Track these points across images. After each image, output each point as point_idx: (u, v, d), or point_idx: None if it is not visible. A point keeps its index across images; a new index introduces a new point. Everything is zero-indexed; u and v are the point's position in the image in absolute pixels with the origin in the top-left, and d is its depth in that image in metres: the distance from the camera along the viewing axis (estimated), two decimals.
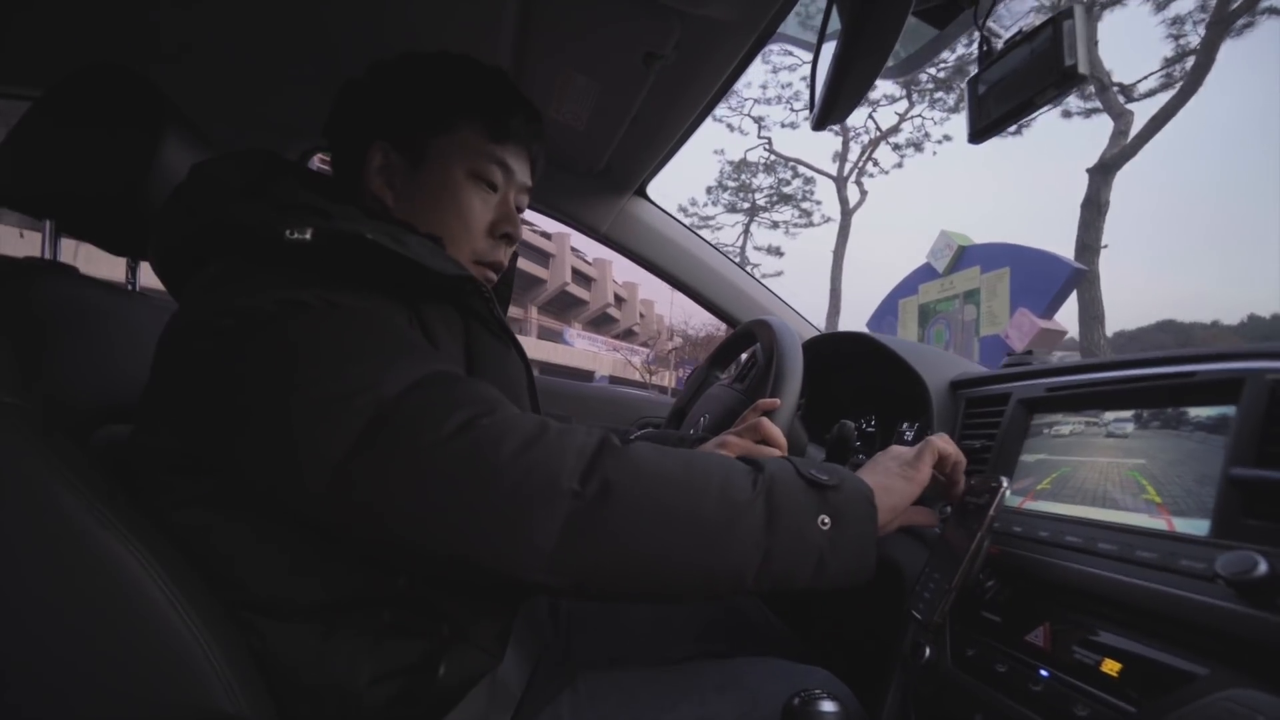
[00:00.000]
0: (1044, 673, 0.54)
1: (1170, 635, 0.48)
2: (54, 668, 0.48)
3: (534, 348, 24.55)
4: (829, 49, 0.69)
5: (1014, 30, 0.62)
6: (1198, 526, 0.51)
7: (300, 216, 0.53)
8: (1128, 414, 0.64)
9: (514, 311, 27.44)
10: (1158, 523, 0.54)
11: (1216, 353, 0.59)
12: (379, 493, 0.45)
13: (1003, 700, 0.55)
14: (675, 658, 0.85)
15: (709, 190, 22.68)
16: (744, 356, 1.15)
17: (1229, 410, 0.53)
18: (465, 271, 0.59)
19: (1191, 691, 0.43)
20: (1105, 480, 0.62)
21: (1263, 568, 0.42)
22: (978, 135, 0.68)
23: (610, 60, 0.97)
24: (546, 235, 31.92)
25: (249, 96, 1.19)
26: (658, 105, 1.07)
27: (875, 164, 18.60)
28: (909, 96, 16.90)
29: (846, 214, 18.00)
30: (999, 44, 0.65)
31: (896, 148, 18.24)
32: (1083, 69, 0.55)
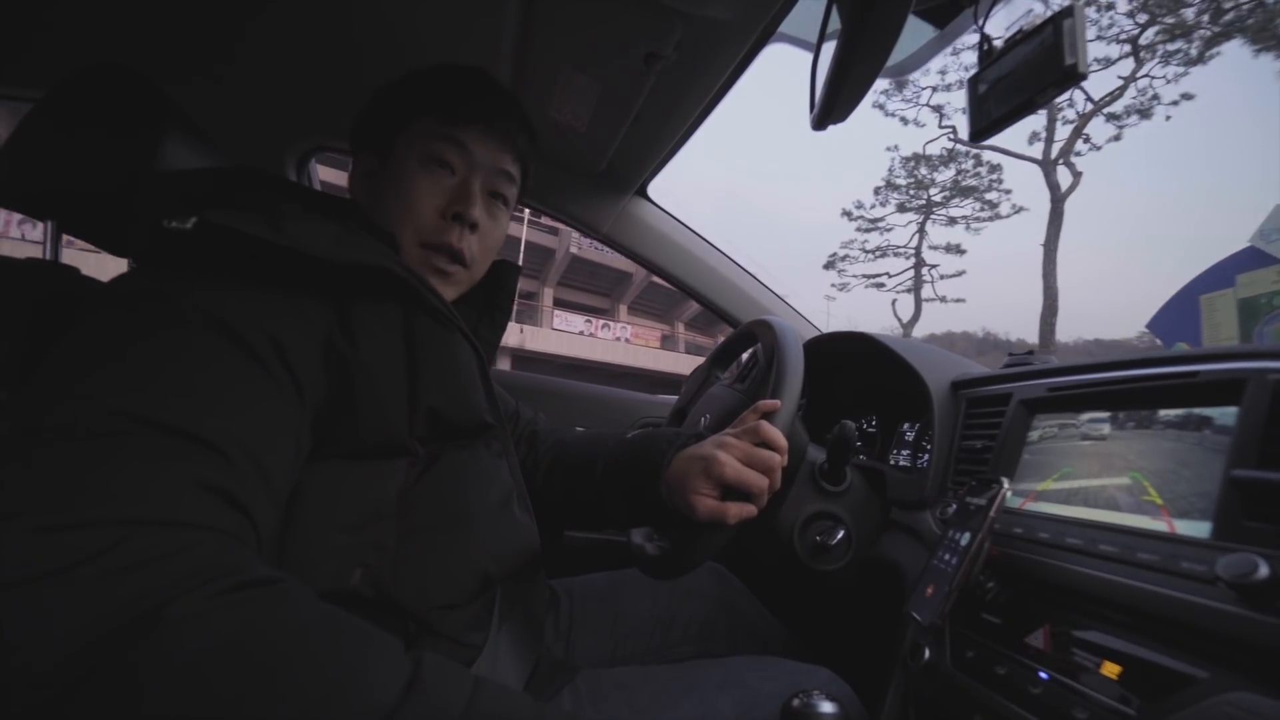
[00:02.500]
0: (1043, 675, 0.54)
1: (1171, 638, 0.47)
2: None
3: (689, 364, 23.79)
4: (829, 49, 0.69)
5: (1014, 29, 0.62)
6: (1199, 528, 0.51)
7: (189, 207, 0.50)
8: (1129, 415, 0.64)
9: (664, 329, 26.53)
10: (1159, 524, 0.54)
11: (1219, 353, 0.58)
12: None
13: (1002, 702, 0.55)
14: (675, 657, 0.85)
15: (877, 190, 20.55)
16: (745, 356, 1.15)
17: (1231, 411, 0.53)
18: (375, 261, 0.55)
19: (1192, 694, 0.43)
20: (1106, 481, 0.62)
21: (1263, 570, 0.41)
22: (977, 135, 0.68)
23: (611, 60, 0.97)
24: None
25: (250, 97, 1.19)
26: (659, 106, 1.07)
27: (1086, 139, 15.65)
28: (1135, 55, 13.98)
29: (1058, 200, 15.36)
30: (999, 43, 0.64)
31: (1113, 118, 15.14)
32: (1082, 68, 0.55)
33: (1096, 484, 0.63)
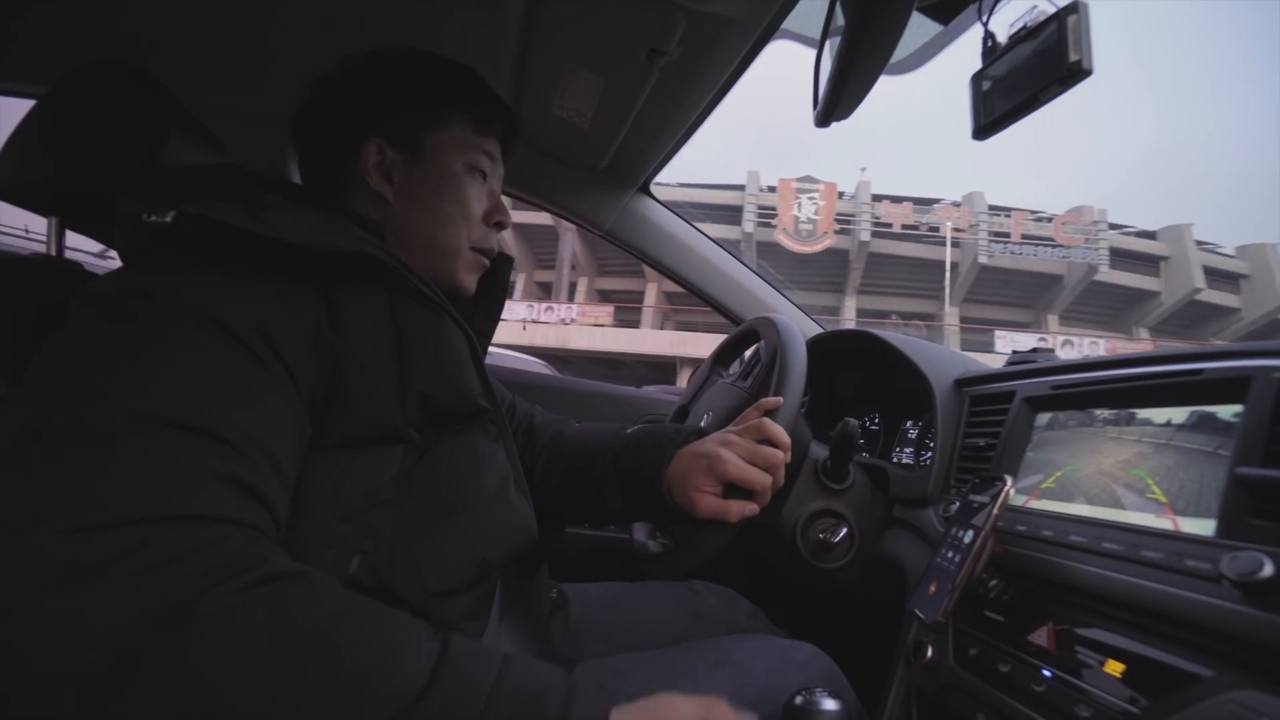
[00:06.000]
0: (1047, 673, 0.54)
1: (1175, 636, 0.47)
2: None
3: None
4: (832, 45, 0.69)
5: (1018, 26, 0.61)
6: (1204, 526, 0.50)
7: (168, 202, 0.50)
8: (1133, 413, 0.64)
9: (1119, 338, 21.23)
10: (1163, 522, 0.54)
11: (1223, 350, 0.58)
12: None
13: (1005, 700, 0.55)
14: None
15: None
16: (748, 354, 1.15)
17: (1236, 409, 0.53)
18: (358, 246, 0.54)
19: (1195, 693, 0.43)
20: (1110, 479, 0.62)
21: (1269, 568, 0.41)
22: (981, 132, 0.68)
23: (614, 57, 0.97)
24: (1149, 234, 23.72)
25: (253, 94, 1.19)
26: (662, 102, 1.07)
27: None
28: None
29: None
30: (1003, 40, 0.64)
31: None
32: (1087, 64, 0.55)
33: (1100, 481, 0.63)
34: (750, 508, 0.69)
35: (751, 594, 0.98)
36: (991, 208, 23.96)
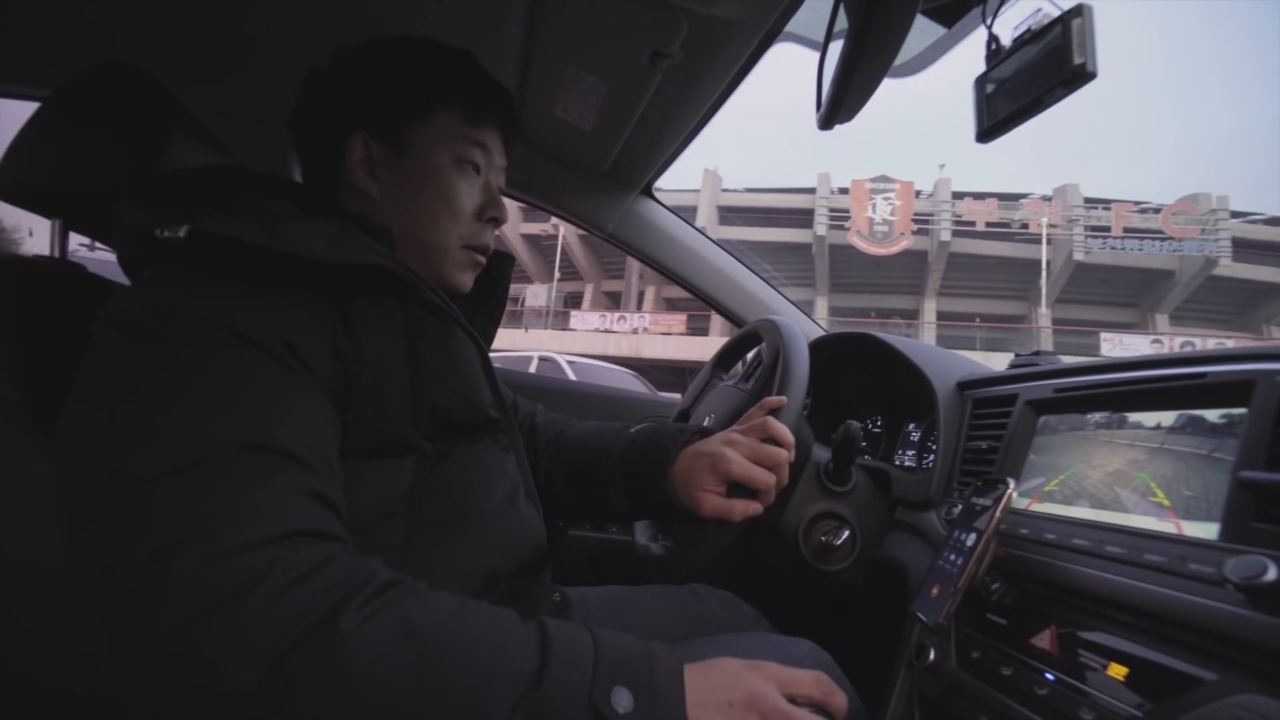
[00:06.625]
0: (1050, 676, 0.54)
1: (1178, 640, 0.47)
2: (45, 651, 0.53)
3: None
4: (836, 48, 0.69)
5: (1023, 29, 0.61)
6: (1207, 530, 0.50)
7: (181, 214, 0.50)
8: (1136, 416, 0.64)
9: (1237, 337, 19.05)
10: (1166, 526, 0.54)
11: (1227, 354, 0.58)
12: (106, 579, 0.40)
13: (1008, 703, 0.55)
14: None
15: None
16: (750, 356, 1.15)
17: (1239, 412, 0.53)
18: (375, 260, 0.54)
19: (1199, 696, 0.43)
20: (1113, 482, 0.62)
21: (1273, 572, 0.41)
22: (985, 135, 0.68)
23: (617, 59, 0.97)
24: (1276, 221, 21.37)
25: (256, 96, 1.19)
26: (665, 105, 1.07)
27: None
28: None
29: None
30: (1007, 42, 0.64)
31: None
32: (1091, 67, 0.55)
33: (1103, 485, 0.62)
34: (754, 507, 0.69)
35: (752, 597, 0.97)
36: (1088, 200, 22.07)
